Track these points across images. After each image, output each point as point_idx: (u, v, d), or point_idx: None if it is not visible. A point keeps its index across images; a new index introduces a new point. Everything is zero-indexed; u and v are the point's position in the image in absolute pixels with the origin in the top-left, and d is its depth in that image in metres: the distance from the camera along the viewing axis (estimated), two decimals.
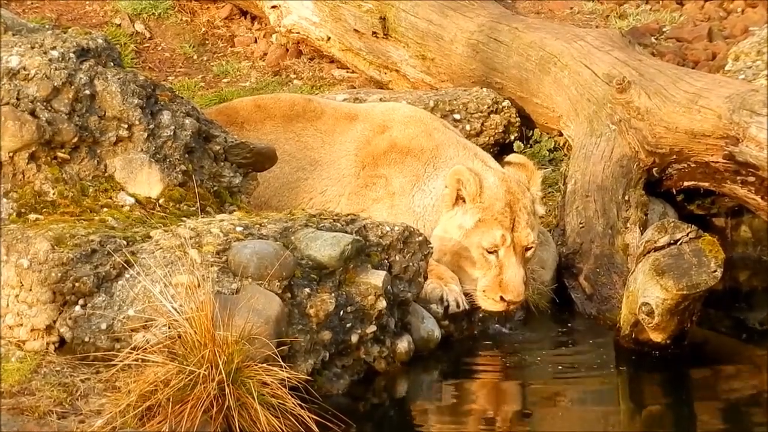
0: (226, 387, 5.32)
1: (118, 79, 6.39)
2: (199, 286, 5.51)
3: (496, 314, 6.96)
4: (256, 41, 10.74)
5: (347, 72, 10.16)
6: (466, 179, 6.91)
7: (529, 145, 8.87)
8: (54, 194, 6.19)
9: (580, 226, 7.70)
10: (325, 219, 6.28)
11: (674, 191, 8.13)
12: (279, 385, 5.38)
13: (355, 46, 9.94)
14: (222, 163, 6.71)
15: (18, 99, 6.15)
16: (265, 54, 10.53)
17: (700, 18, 10.38)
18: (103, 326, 5.72)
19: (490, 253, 6.90)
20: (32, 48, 6.31)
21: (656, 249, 6.45)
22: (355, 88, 9.69)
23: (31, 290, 5.77)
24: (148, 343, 5.50)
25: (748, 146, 7.47)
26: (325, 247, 5.99)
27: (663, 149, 7.90)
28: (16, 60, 6.24)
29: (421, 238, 6.46)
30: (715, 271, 6.33)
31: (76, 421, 5.31)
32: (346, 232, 6.17)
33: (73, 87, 6.26)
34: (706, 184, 7.96)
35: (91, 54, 6.40)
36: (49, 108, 6.20)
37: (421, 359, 6.50)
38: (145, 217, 6.25)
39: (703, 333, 6.96)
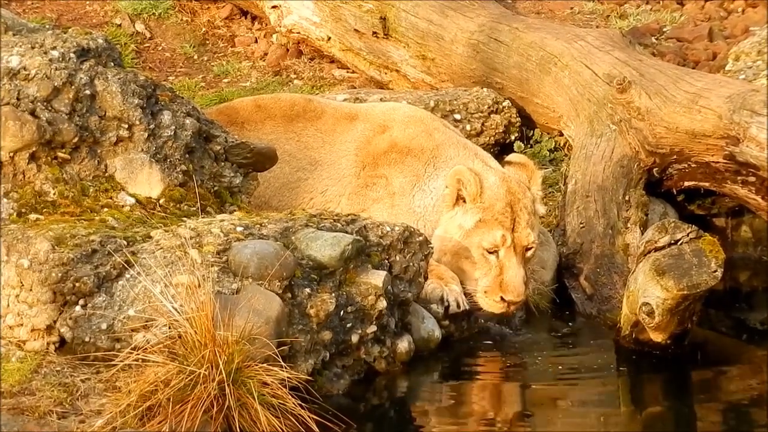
0: (227, 387, 5.32)
1: (119, 79, 6.39)
2: (199, 286, 5.51)
3: (497, 315, 6.96)
4: (256, 41, 10.74)
5: (348, 72, 10.17)
6: (467, 179, 6.91)
7: (529, 145, 8.87)
8: (54, 194, 6.19)
9: (581, 226, 7.70)
10: (326, 219, 6.28)
11: (675, 191, 8.13)
12: (279, 385, 5.38)
13: (355, 46, 9.94)
14: (222, 163, 6.71)
15: (18, 99, 6.15)
16: (266, 54, 10.53)
17: (700, 18, 10.38)
18: (104, 326, 5.72)
19: (490, 253, 6.90)
20: (33, 48, 6.31)
21: (657, 249, 6.45)
22: (355, 88, 9.69)
23: (31, 290, 5.77)
24: (148, 343, 5.50)
25: (748, 146, 7.47)
26: (325, 247, 5.99)
27: (663, 149, 7.90)
28: (16, 60, 6.24)
29: (421, 238, 6.46)
30: (715, 271, 6.33)
31: (77, 421, 5.31)
32: (347, 233, 6.17)
33: (73, 87, 6.26)
34: (707, 185, 7.96)
35: (92, 54, 6.40)
36: (50, 108, 6.20)
37: (422, 359, 6.50)
38: (145, 217, 6.25)
39: (703, 333, 6.96)
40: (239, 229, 5.98)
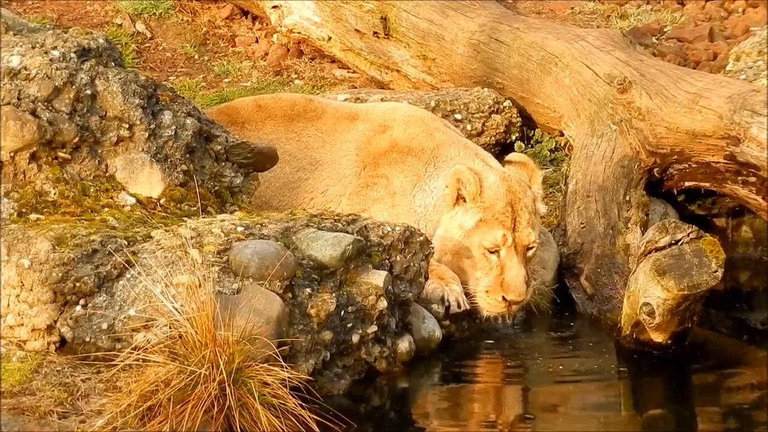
0: (227, 387, 5.32)
1: (119, 79, 6.40)
2: (200, 286, 5.51)
3: (498, 315, 6.95)
4: (257, 41, 10.74)
5: (348, 72, 10.16)
6: (467, 179, 6.91)
7: (530, 145, 8.87)
8: (55, 194, 6.19)
9: (581, 226, 7.69)
10: (326, 219, 6.28)
11: (675, 191, 8.13)
12: (280, 385, 5.38)
13: (356, 46, 9.94)
14: (223, 163, 6.71)
15: (19, 99, 6.15)
16: (267, 54, 10.53)
17: (701, 18, 10.38)
18: (104, 326, 5.72)
19: (491, 252, 6.90)
20: (33, 48, 6.31)
21: (657, 249, 6.45)
22: (356, 88, 9.69)
23: (32, 290, 5.77)
24: (149, 343, 5.50)
25: (749, 146, 7.47)
26: (326, 247, 5.99)
27: (664, 149, 7.90)
28: (17, 60, 6.24)
29: (422, 238, 6.46)
30: (716, 271, 6.33)
31: (77, 421, 5.31)
32: (347, 233, 6.17)
33: (74, 87, 6.26)
34: (707, 185, 7.96)
35: (92, 54, 6.41)
36: (50, 108, 6.21)
37: (422, 359, 6.50)
38: (146, 217, 6.25)
39: (704, 333, 6.95)
40: (240, 229, 5.98)
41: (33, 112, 6.16)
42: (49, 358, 5.73)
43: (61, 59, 6.28)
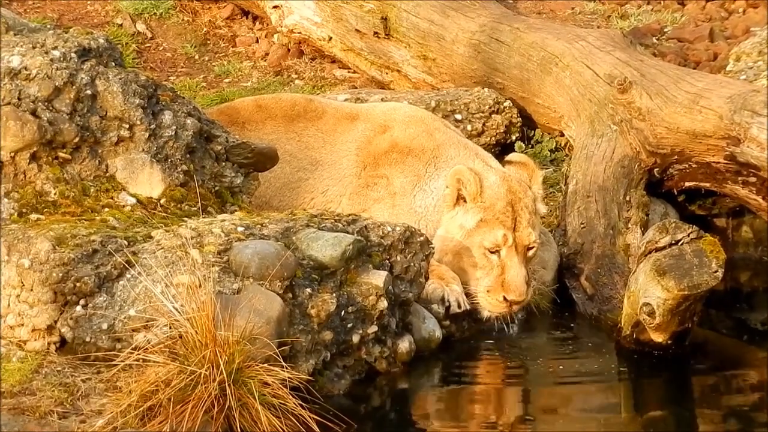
0: (227, 387, 5.32)
1: (120, 79, 6.40)
2: (200, 286, 5.51)
3: (499, 315, 6.95)
4: (257, 41, 10.74)
5: (349, 72, 10.17)
6: (467, 179, 6.91)
7: (530, 146, 8.87)
8: (55, 194, 6.19)
9: (582, 226, 7.70)
10: (327, 219, 6.28)
11: (675, 192, 8.13)
12: (280, 386, 5.38)
13: (356, 46, 9.94)
14: (223, 163, 6.71)
15: (19, 99, 6.15)
16: (267, 54, 10.53)
17: (701, 18, 10.38)
18: (104, 326, 5.73)
19: (492, 252, 6.90)
20: (34, 48, 6.32)
21: (657, 249, 6.45)
22: (356, 88, 9.69)
23: (32, 290, 5.77)
24: (149, 343, 5.51)
25: (749, 147, 7.47)
26: (326, 247, 5.99)
27: (664, 150, 7.90)
28: (17, 60, 6.24)
29: (422, 238, 6.46)
30: (716, 271, 6.33)
31: (77, 421, 5.31)
32: (348, 233, 6.17)
33: (74, 87, 6.27)
34: (708, 185, 7.95)
35: (93, 54, 6.41)
36: (51, 108, 6.21)
37: (423, 359, 6.50)
38: (146, 217, 6.26)
39: (704, 333, 6.95)
40: (240, 229, 5.98)
41: (33, 112, 6.16)
42: (50, 358, 5.73)
43: (62, 59, 6.28)
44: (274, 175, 7.20)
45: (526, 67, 8.85)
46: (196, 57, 10.52)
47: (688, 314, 6.49)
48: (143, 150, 6.39)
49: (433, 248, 6.56)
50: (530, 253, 7.01)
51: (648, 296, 6.43)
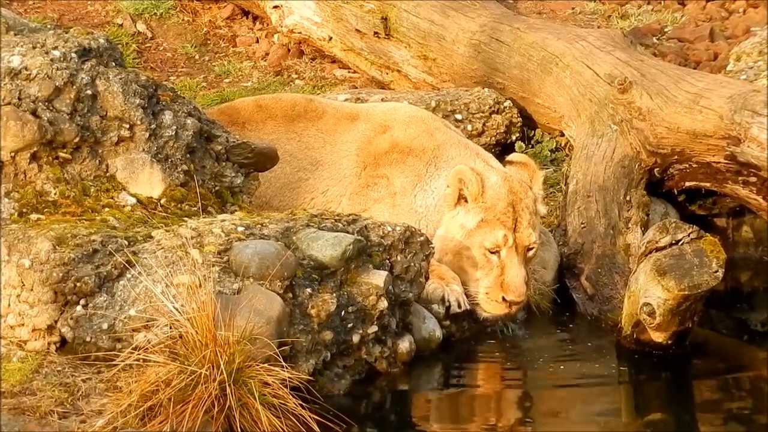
0: (228, 387, 5.32)
1: (120, 79, 6.40)
2: (200, 286, 5.51)
3: (498, 316, 6.95)
4: (257, 41, 10.74)
5: (349, 72, 10.17)
6: (469, 179, 6.91)
7: (530, 146, 8.87)
8: (55, 194, 6.19)
9: (582, 226, 7.69)
10: (327, 219, 6.28)
11: (676, 191, 8.13)
12: (280, 385, 5.38)
13: (356, 46, 9.94)
14: (223, 163, 6.71)
15: (20, 99, 6.15)
16: (267, 54, 10.53)
17: (701, 18, 10.38)
18: (105, 326, 5.73)
19: (492, 253, 6.90)
20: (34, 48, 6.32)
21: (658, 249, 6.45)
22: (356, 88, 9.69)
23: (32, 290, 5.77)
24: (149, 343, 5.51)
25: (749, 147, 7.47)
26: (326, 247, 5.99)
27: (664, 149, 7.90)
28: (17, 60, 6.24)
29: (422, 238, 6.46)
30: (716, 271, 6.33)
31: (78, 421, 5.31)
32: (348, 233, 6.17)
33: (74, 87, 6.27)
34: (708, 185, 7.96)
35: (93, 54, 6.41)
36: (51, 108, 6.21)
37: (423, 359, 6.50)
38: (146, 217, 6.26)
39: (704, 333, 6.95)
40: (240, 229, 5.98)
41: (34, 112, 6.16)
42: (50, 358, 5.73)
43: (62, 59, 6.28)
44: (274, 175, 7.20)
45: (526, 67, 8.85)
46: (197, 57, 10.52)
47: (688, 314, 6.49)
48: (143, 150, 6.39)
49: (433, 248, 6.56)
50: (530, 253, 7.00)
51: (648, 296, 6.43)
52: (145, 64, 10.26)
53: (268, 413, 5.33)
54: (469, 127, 8.61)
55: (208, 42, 10.73)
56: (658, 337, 6.56)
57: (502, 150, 8.57)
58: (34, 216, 6.07)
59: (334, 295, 5.93)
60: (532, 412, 6.20)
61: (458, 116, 8.62)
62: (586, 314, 7.38)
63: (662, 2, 10.78)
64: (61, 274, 5.73)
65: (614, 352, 6.77)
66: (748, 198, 7.78)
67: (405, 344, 6.36)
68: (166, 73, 10.21)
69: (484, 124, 8.71)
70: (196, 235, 5.90)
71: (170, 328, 5.50)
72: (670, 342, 6.57)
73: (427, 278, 6.59)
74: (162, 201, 6.40)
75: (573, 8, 10.70)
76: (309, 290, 5.87)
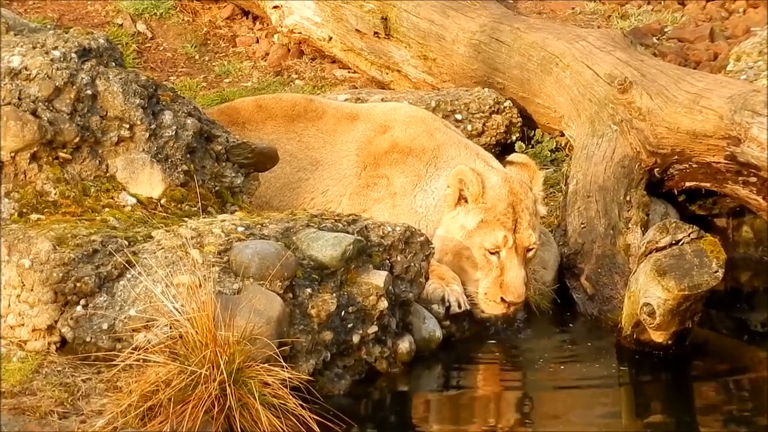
0: (228, 387, 5.32)
1: (120, 79, 6.40)
2: (200, 286, 5.51)
3: (498, 317, 6.95)
4: (257, 41, 10.74)
5: (349, 72, 10.17)
6: (469, 179, 6.90)
7: (530, 146, 8.87)
8: (55, 194, 6.19)
9: (582, 226, 7.69)
10: (327, 219, 6.28)
11: (676, 192, 8.13)
12: (280, 386, 5.38)
13: (356, 46, 9.94)
14: (223, 164, 6.71)
15: (20, 99, 6.15)
16: (267, 54, 10.53)
17: (701, 18, 10.38)
18: (105, 326, 5.73)
19: (491, 253, 6.90)
20: (34, 48, 6.32)
21: (658, 249, 6.45)
22: (356, 88, 9.69)
23: (32, 290, 5.77)
24: (149, 343, 5.51)
25: (749, 147, 7.47)
26: (326, 247, 5.99)
27: (664, 150, 7.90)
28: (17, 60, 6.24)
29: (422, 238, 6.46)
30: (716, 271, 6.33)
31: (78, 422, 5.31)
32: (348, 233, 6.17)
33: (74, 87, 6.27)
34: (708, 185, 7.95)
35: (93, 54, 6.41)
36: (51, 108, 6.21)
37: (423, 359, 6.50)
38: (146, 217, 6.26)
39: (704, 334, 6.95)
40: (240, 229, 5.98)
41: (34, 112, 6.16)
42: (50, 358, 5.74)
43: (62, 59, 6.28)
44: (274, 175, 7.20)
45: (526, 67, 8.85)
46: (197, 57, 10.52)
47: (688, 314, 6.49)
48: (143, 150, 6.39)
49: (433, 248, 6.56)
50: (530, 254, 7.00)
51: (648, 296, 6.43)
52: (145, 64, 10.26)
53: (268, 413, 5.33)
54: (469, 127, 8.61)
55: (208, 42, 10.73)
56: (658, 337, 6.55)
57: (502, 150, 8.57)
58: (34, 216, 6.07)
59: (334, 295, 5.93)
60: (532, 414, 6.19)
61: (458, 116, 8.62)
62: (586, 314, 7.38)
63: (662, 2, 10.78)
64: (61, 274, 5.73)
65: (614, 353, 6.76)
66: (748, 198, 7.78)
67: (405, 344, 6.36)
68: (166, 73, 10.21)
69: (484, 124, 8.71)
70: (196, 235, 5.90)
71: (170, 328, 5.50)
72: (670, 342, 6.57)
73: (427, 278, 6.59)
74: (162, 201, 6.40)
75: (573, 8, 10.70)
76: (309, 290, 5.87)
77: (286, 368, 5.43)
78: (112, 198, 6.31)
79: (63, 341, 5.80)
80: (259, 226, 6.06)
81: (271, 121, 7.50)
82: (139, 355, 5.40)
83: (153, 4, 10.79)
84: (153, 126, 6.42)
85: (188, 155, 6.52)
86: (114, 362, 5.45)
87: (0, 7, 6.85)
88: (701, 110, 7.69)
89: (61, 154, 6.23)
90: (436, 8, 9.44)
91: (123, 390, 5.39)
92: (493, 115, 8.74)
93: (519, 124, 8.81)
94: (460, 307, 6.77)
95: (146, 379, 5.33)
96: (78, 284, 5.75)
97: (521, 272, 6.87)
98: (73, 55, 6.32)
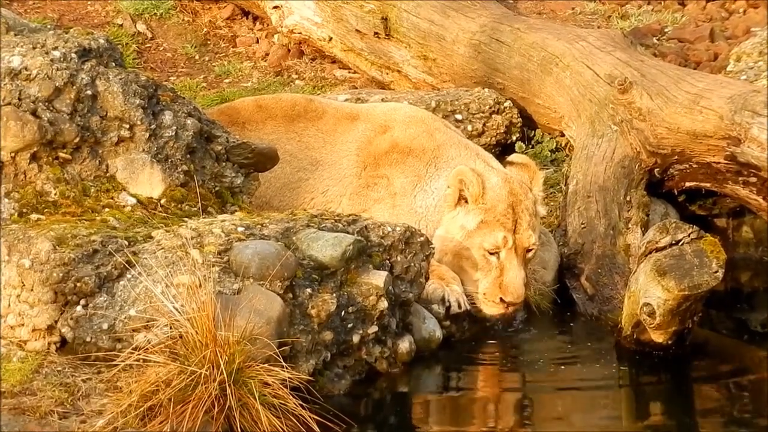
0: (228, 387, 5.32)
1: (120, 79, 6.40)
2: (200, 286, 5.51)
3: (497, 317, 6.95)
4: (257, 41, 10.74)
5: (349, 72, 10.17)
6: (469, 180, 6.90)
7: (530, 146, 8.87)
8: (56, 194, 6.19)
9: (582, 226, 7.69)
10: (327, 219, 6.28)
11: (676, 192, 8.13)
12: (280, 386, 5.38)
13: (356, 46, 9.94)
14: (224, 164, 6.71)
15: (20, 99, 6.15)
16: (267, 54, 10.53)
17: (701, 19, 10.38)
18: (105, 326, 5.73)
19: (491, 254, 6.90)
20: (34, 48, 6.32)
21: (658, 249, 6.45)
22: (356, 88, 9.69)
23: (32, 290, 5.77)
24: (149, 343, 5.51)
25: (749, 147, 7.47)
26: (326, 247, 5.99)
27: (665, 150, 7.90)
28: (17, 60, 6.24)
29: (422, 238, 6.46)
30: (716, 271, 6.33)
31: (78, 422, 5.31)
32: (348, 233, 6.17)
33: (74, 87, 6.27)
34: (708, 185, 7.96)
35: (93, 54, 6.41)
36: (51, 108, 6.21)
37: (423, 359, 6.50)
38: (146, 217, 6.26)
39: (704, 334, 6.95)
40: (240, 229, 5.98)
41: (34, 113, 6.16)
42: (50, 358, 5.74)
43: (62, 59, 6.28)
44: (274, 176, 7.20)
45: (526, 68, 8.85)
46: (197, 57, 10.52)
47: (688, 314, 6.49)
48: (143, 150, 6.39)
49: (433, 248, 6.56)
50: (530, 255, 7.00)
51: (648, 296, 6.43)
52: (145, 64, 10.26)
53: (268, 413, 5.33)
54: (470, 128, 8.61)
55: (208, 42, 10.73)
56: (658, 337, 6.55)
57: (502, 150, 8.57)
58: (34, 216, 6.08)
59: (334, 295, 5.93)
60: (532, 415, 6.19)
61: (458, 116, 8.62)
62: (586, 314, 7.38)
63: (662, 2, 10.78)
64: (61, 275, 5.73)
65: (614, 353, 6.76)
66: (748, 198, 7.78)
67: (405, 344, 6.36)
68: (166, 74, 10.21)
69: (484, 125, 8.71)
70: (196, 235, 5.90)
71: (170, 328, 5.50)
72: (670, 342, 6.57)
73: (427, 278, 6.59)
74: (162, 201, 6.40)
75: (573, 8, 10.70)
76: (309, 290, 5.87)
77: (286, 368, 5.43)
78: (112, 198, 6.31)
79: (63, 341, 5.80)
80: (259, 226, 6.06)
81: (271, 121, 7.50)
82: (139, 355, 5.40)
83: (153, 4, 10.79)
84: (153, 126, 6.42)
85: (188, 155, 6.52)
86: (114, 362, 5.45)
87: (0, 7, 6.85)
88: (701, 110, 7.69)
89: (61, 155, 6.23)
90: (437, 8, 9.44)
91: (123, 390, 5.39)
92: (493, 116, 8.74)
93: (519, 124, 8.81)
94: (460, 307, 6.78)
95: (146, 379, 5.34)
96: (78, 284, 5.75)
97: (521, 273, 6.87)
98: (73, 55, 6.32)
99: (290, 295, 5.81)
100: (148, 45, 10.56)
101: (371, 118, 7.44)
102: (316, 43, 10.26)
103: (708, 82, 7.92)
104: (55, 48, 6.32)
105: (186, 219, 6.21)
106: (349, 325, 6.02)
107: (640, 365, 6.62)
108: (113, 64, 6.48)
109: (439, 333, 6.61)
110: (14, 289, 5.81)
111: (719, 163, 7.73)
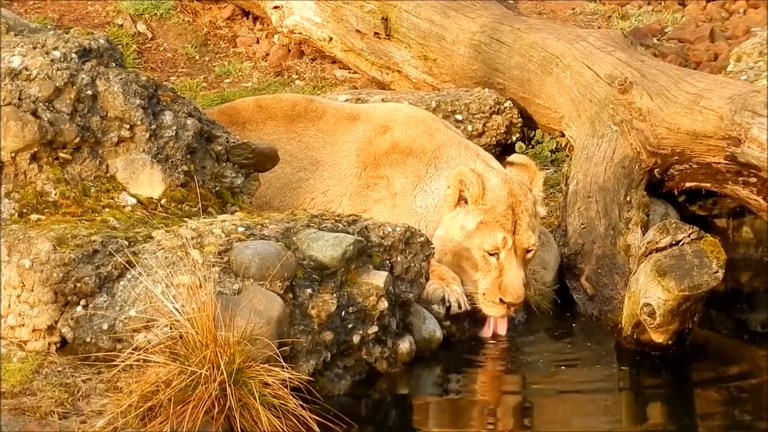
0: (228, 387, 5.32)
1: (120, 79, 6.40)
2: (200, 286, 5.51)
3: (497, 318, 6.94)
4: (258, 42, 10.74)
5: (349, 72, 10.17)
6: (469, 180, 6.90)
7: (531, 146, 8.87)
8: (56, 194, 6.19)
9: (582, 226, 7.69)
10: (327, 219, 6.28)
11: (676, 192, 8.13)
12: (280, 386, 5.38)
13: (357, 46, 9.94)
14: (224, 164, 6.71)
15: (20, 99, 6.15)
16: (267, 54, 10.53)
17: (702, 19, 10.38)
18: (105, 326, 5.73)
19: (491, 255, 6.90)
20: (34, 48, 6.32)
21: (658, 250, 6.45)
22: (357, 88, 9.69)
23: (32, 290, 5.78)
24: (149, 343, 5.51)
25: (749, 147, 7.47)
26: (326, 247, 5.99)
27: (665, 150, 7.90)
28: (18, 60, 6.24)
29: (422, 238, 6.46)
30: (716, 272, 6.33)
31: (78, 422, 5.31)
32: (348, 233, 6.17)
33: (75, 87, 6.27)
34: (708, 185, 7.96)
35: (93, 54, 6.41)
36: (51, 108, 6.21)
37: (423, 360, 6.50)
38: (146, 217, 6.26)
39: (704, 334, 6.95)
40: (240, 229, 5.98)
41: (34, 113, 6.16)
42: (50, 358, 5.74)
43: (62, 60, 6.28)
44: (274, 176, 7.20)
45: (526, 68, 8.85)
46: (197, 57, 10.52)
47: (688, 315, 6.49)
48: (144, 150, 6.39)
49: (433, 249, 6.56)
50: (529, 255, 7.00)
51: (648, 297, 6.43)
52: (145, 64, 10.26)
53: (268, 413, 5.33)
54: (470, 128, 8.61)
55: (209, 42, 10.73)
56: (658, 337, 6.55)
57: (502, 150, 8.58)
58: (34, 216, 6.08)
59: (335, 295, 5.93)
60: (531, 417, 6.19)
61: (458, 117, 8.62)
62: (587, 315, 7.37)
63: (662, 3, 10.78)
64: (61, 275, 5.73)
65: (614, 354, 6.76)
66: (748, 198, 7.78)
67: (405, 345, 6.36)
68: (167, 74, 10.22)
69: (484, 125, 8.71)
70: (196, 235, 5.90)
71: (170, 328, 5.50)
72: (670, 342, 6.57)
73: (427, 279, 6.60)
74: (162, 201, 6.40)
75: (573, 9, 10.71)
76: (309, 291, 5.87)
77: (287, 368, 5.43)
78: (112, 198, 6.31)
79: (63, 341, 5.80)
80: (260, 226, 6.06)
81: (271, 121, 7.50)
82: (140, 355, 5.40)
83: (153, 4, 10.80)
84: (153, 126, 6.42)
85: (188, 155, 6.52)
86: (114, 362, 5.45)
87: (0, 7, 6.85)
88: (701, 111, 7.69)
89: (62, 155, 6.23)
90: (437, 9, 9.44)
91: (123, 390, 5.39)
92: (493, 116, 8.74)
93: (519, 124, 8.81)
94: (460, 307, 6.78)
95: (146, 380, 5.34)
96: (78, 284, 5.75)
97: (520, 273, 6.87)
98: (74, 55, 6.32)
99: (290, 296, 5.81)
100: (148, 45, 10.56)
101: (371, 118, 7.44)
102: (316, 43, 10.26)
103: (708, 82, 7.92)
104: (56, 48, 6.32)
105: (186, 219, 6.21)
106: (350, 326, 6.03)
107: (641, 366, 6.61)
108: (113, 64, 6.48)
109: (439, 333, 6.61)
110: (14, 290, 5.81)
111: (719, 163, 7.73)
